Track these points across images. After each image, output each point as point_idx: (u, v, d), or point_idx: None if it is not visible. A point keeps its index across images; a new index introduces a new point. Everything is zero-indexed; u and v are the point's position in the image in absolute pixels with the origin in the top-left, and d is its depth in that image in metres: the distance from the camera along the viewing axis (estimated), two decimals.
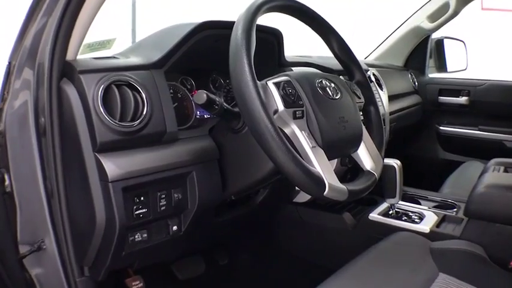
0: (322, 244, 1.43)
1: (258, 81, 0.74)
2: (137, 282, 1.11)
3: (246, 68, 0.69)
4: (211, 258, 1.48)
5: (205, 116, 1.06)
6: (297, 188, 1.27)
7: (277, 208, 1.45)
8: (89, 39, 0.87)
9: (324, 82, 0.86)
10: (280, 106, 0.77)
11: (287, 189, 1.28)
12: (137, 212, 0.89)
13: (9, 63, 0.90)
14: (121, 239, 0.84)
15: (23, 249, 0.91)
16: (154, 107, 0.86)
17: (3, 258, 0.90)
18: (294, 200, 1.34)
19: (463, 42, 2.36)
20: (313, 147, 0.77)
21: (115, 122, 0.81)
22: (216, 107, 0.86)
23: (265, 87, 0.78)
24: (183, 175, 0.93)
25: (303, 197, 1.32)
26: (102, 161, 0.84)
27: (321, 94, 0.84)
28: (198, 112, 1.05)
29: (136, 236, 0.89)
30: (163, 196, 0.94)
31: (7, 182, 0.90)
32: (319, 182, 0.72)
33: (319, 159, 0.76)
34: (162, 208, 0.94)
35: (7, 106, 0.92)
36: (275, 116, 0.76)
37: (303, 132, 0.78)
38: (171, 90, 0.98)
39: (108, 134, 0.82)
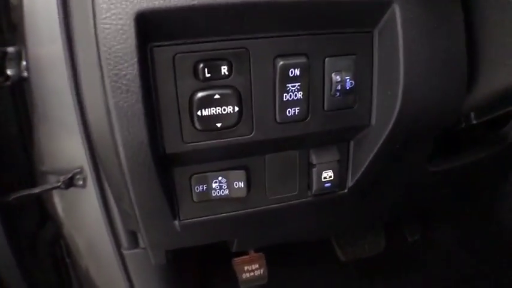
0: None
1: None
2: (253, 267, 0.61)
3: None
4: (397, 231, 1.04)
5: None
6: None
7: None
8: None
9: None
10: None
11: None
12: (207, 113, 0.32)
13: None
14: (151, 184, 0.34)
15: (44, 181, 0.58)
16: None
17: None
18: None
19: None
20: None
21: None
22: None
23: None
24: (365, 12, 0.35)
25: None
26: None
27: None
28: None
29: (213, 185, 0.36)
30: (297, 73, 0.33)
31: (24, 63, 0.57)
32: None
33: None
34: (291, 112, 0.35)
35: None
36: None
37: None
38: None
39: None
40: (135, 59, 0.28)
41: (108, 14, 0.27)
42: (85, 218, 0.59)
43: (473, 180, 0.77)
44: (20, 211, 0.64)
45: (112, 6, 0.27)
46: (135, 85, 0.28)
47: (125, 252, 0.54)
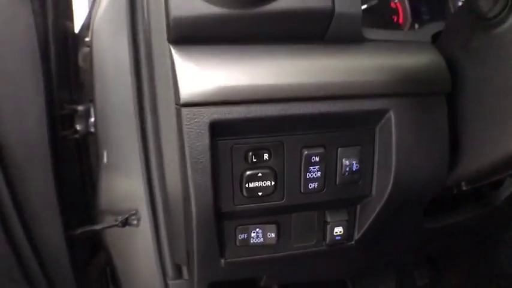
0: None
1: None
2: None
3: None
4: (406, 274, 1.05)
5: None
6: None
7: None
8: None
9: None
10: None
11: None
12: (252, 185, 0.44)
13: None
14: (208, 232, 0.46)
15: (100, 218, 0.65)
16: None
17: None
18: None
19: None
20: None
21: None
22: None
23: None
24: (369, 117, 0.47)
25: None
26: (175, 60, 0.40)
27: None
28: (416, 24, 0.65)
29: (252, 234, 0.48)
30: (317, 159, 0.45)
31: (92, 119, 0.64)
32: None
33: None
34: (312, 186, 0.46)
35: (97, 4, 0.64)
36: None
37: None
38: None
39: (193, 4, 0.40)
40: (208, 153, 0.40)
41: (192, 122, 0.40)
42: (134, 251, 0.65)
43: (471, 232, 0.81)
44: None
45: (194, 116, 0.40)
46: (208, 168, 0.41)
47: (170, 282, 0.61)
